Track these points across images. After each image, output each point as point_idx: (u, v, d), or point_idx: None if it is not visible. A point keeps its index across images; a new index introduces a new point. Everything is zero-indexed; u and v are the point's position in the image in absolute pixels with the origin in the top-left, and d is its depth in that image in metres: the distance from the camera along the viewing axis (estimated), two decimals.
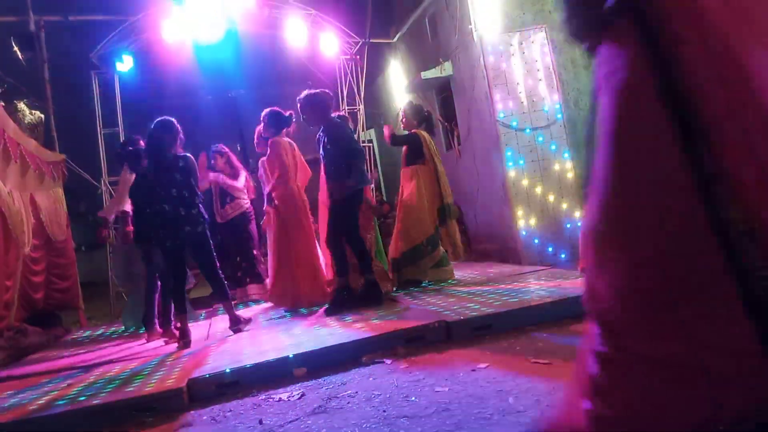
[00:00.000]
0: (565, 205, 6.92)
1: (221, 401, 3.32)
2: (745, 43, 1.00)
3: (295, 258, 5.68)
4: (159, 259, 5.10)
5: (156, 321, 5.30)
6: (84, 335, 6.49)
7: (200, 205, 4.87)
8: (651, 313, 1.08)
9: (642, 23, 1.05)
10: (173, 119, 4.91)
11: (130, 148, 5.48)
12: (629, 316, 1.11)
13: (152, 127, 4.87)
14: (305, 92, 5.35)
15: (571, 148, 7.01)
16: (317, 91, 5.37)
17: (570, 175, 6.97)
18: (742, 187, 0.98)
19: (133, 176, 5.35)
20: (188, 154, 4.95)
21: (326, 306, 5.18)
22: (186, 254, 4.89)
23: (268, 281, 6.52)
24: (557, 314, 3.98)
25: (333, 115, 5.46)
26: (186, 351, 4.54)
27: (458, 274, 6.27)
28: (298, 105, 5.33)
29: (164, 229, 4.74)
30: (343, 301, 5.11)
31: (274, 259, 5.87)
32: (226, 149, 7.12)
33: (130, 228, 5.58)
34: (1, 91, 6.82)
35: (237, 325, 4.94)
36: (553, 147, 6.96)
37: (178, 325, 4.85)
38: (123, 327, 6.36)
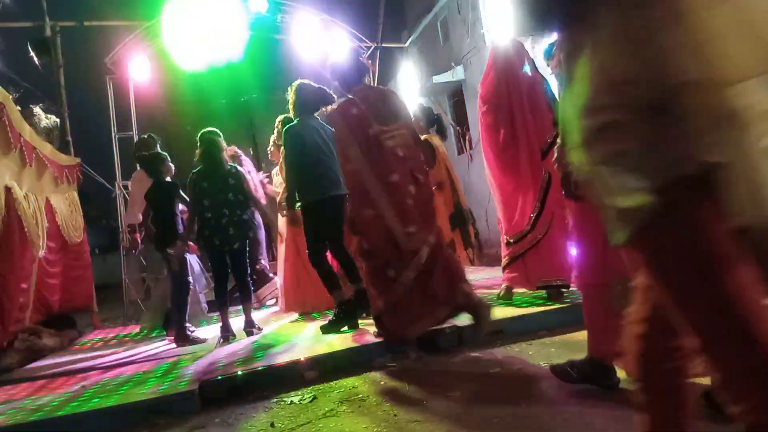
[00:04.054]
0: None
1: (233, 404, 3.33)
2: None
3: (303, 264, 5.65)
4: (177, 264, 5.15)
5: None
6: (97, 338, 6.54)
7: (249, 212, 5.12)
8: None
9: None
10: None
11: (145, 152, 5.54)
12: None
13: (204, 135, 5.08)
14: (301, 82, 4.86)
15: None
16: (313, 85, 4.83)
17: None
18: None
19: (150, 181, 5.36)
20: (235, 165, 5.30)
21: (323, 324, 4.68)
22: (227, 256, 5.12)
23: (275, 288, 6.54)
24: (569, 319, 3.95)
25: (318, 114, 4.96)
26: (200, 353, 4.56)
27: (469, 278, 6.23)
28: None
29: (216, 232, 4.94)
30: (341, 318, 4.64)
31: (288, 266, 5.84)
32: (240, 152, 7.07)
33: (137, 235, 5.67)
34: (18, 96, 6.89)
35: (251, 327, 5.02)
36: None
37: (192, 329, 5.18)
38: (144, 330, 6.36)
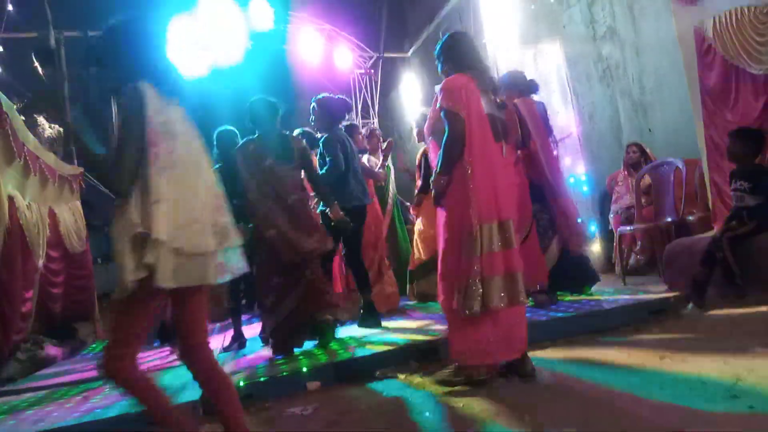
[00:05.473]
0: (579, 220, 6.85)
1: None
2: None
3: None
4: None
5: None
6: (100, 347, 6.53)
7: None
8: None
9: None
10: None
11: None
12: None
13: (221, 133, 5.10)
14: (323, 95, 5.12)
15: (586, 161, 6.98)
16: (334, 96, 5.15)
17: (585, 188, 6.94)
18: None
19: None
20: None
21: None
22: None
23: None
24: (573, 330, 3.95)
25: (342, 125, 5.27)
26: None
27: None
28: (314, 105, 5.09)
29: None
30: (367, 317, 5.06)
31: None
32: None
33: None
34: (22, 106, 6.93)
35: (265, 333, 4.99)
36: (568, 160, 6.94)
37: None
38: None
